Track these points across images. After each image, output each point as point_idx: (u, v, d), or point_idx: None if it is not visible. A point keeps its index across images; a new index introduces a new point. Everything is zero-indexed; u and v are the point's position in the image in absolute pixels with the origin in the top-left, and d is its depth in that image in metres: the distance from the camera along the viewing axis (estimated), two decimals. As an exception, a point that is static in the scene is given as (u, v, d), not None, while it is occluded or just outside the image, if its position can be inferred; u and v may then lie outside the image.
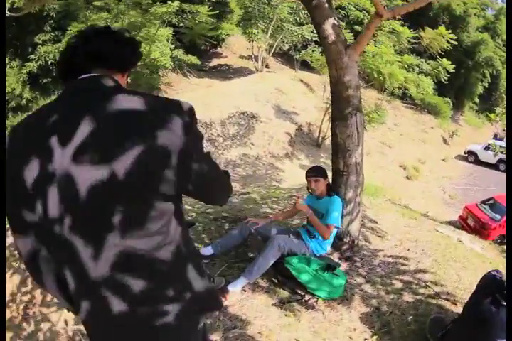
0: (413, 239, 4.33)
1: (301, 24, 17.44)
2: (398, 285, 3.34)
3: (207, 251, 3.44)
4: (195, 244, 3.87)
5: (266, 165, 11.10)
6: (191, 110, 1.09)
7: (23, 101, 12.25)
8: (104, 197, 0.96)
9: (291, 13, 16.77)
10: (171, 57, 12.59)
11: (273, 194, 5.96)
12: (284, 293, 3.12)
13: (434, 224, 5.54)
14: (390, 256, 3.84)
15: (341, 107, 3.40)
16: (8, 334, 2.74)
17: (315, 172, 3.40)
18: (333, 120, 3.54)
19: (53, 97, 10.69)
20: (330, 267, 3.08)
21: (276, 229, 3.50)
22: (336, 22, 3.24)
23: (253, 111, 13.31)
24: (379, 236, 4.27)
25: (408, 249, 4.04)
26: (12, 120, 11.42)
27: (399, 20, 18.10)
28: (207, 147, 10.81)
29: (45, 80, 12.21)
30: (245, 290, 3.12)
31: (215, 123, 12.03)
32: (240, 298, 3.04)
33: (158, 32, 10.23)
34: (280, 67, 20.76)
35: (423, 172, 17.12)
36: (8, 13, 4.48)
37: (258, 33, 16.23)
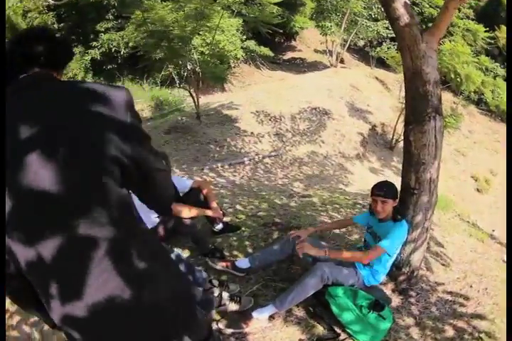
0: (478, 273, 3.60)
1: (375, 19, 16.30)
2: (450, 332, 2.70)
3: (243, 263, 2.99)
4: (235, 252, 3.41)
5: (335, 165, 10.14)
6: (128, 93, 1.10)
7: None
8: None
9: (364, 8, 15.63)
10: (242, 48, 12.21)
11: (336, 199, 5.26)
12: (318, 328, 2.55)
13: (501, 249, 4.71)
14: (450, 292, 3.15)
15: (417, 107, 2.67)
16: (16, 318, 2.57)
17: (384, 192, 2.66)
18: (406, 123, 2.80)
19: (118, 83, 10.69)
20: (378, 305, 2.46)
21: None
22: (407, 1, 2.53)
23: (326, 107, 12.35)
24: (443, 265, 3.55)
25: (471, 286, 3.33)
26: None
27: (473, 19, 16.62)
28: (274, 142, 10.19)
29: (109, 66, 12.39)
30: (273, 318, 2.60)
31: (284, 118, 11.25)
32: (265, 325, 2.56)
33: (227, 22, 9.86)
34: (355, 63, 19.70)
35: (493, 185, 15.53)
36: (51, 1, 4.37)
37: (331, 26, 15.29)
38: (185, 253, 3.44)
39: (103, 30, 12.40)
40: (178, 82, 10.94)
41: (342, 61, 18.08)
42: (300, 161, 9.36)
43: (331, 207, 4.79)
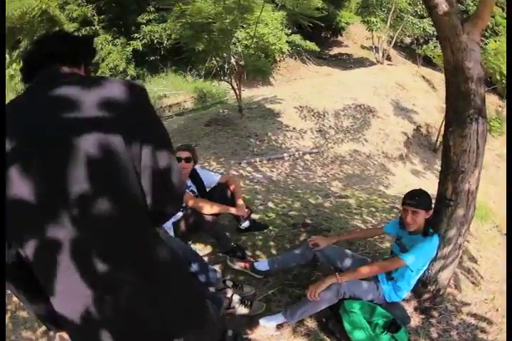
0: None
1: (421, 16, 15.33)
2: (464, 361, 2.38)
3: (262, 265, 2.80)
4: (258, 252, 3.24)
5: (376, 165, 9.42)
6: (142, 88, 1.12)
7: (128, 78, 12.40)
8: None
9: (409, 4, 14.80)
10: (287, 42, 11.87)
11: (373, 202, 4.88)
12: (326, 343, 2.34)
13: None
14: (475, 315, 2.79)
15: (458, 107, 2.32)
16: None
17: (416, 202, 2.34)
18: (446, 125, 2.46)
19: (161, 74, 10.45)
20: (393, 326, 2.20)
21: (350, 260, 2.61)
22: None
23: (370, 104, 11.59)
24: (472, 283, 3.18)
25: (497, 309, 2.94)
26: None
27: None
28: (316, 138, 9.57)
29: (152, 58, 12.29)
30: (282, 326, 2.41)
31: (328, 114, 10.59)
32: (272, 333, 2.38)
33: (271, 15, 9.55)
34: (402, 61, 18.75)
35: (538, 193, 14.38)
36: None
37: (377, 22, 14.59)
38: (206, 250, 3.32)
39: (144, 22, 12.25)
40: (222, 74, 10.71)
41: (388, 58, 17.29)
42: (341, 159, 8.81)
43: (367, 210, 4.44)
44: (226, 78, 9.65)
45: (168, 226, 3.14)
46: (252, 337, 2.35)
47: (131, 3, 12.12)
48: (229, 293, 2.61)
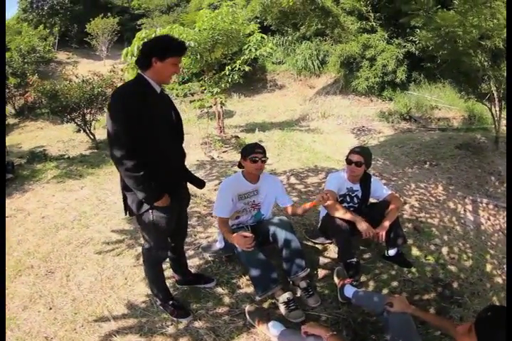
0: None
1: None
2: None
3: (348, 292, 2.46)
4: (371, 282, 2.87)
5: None
6: (113, 97, 1.97)
7: (397, 80, 11.55)
8: None
9: None
10: None
11: None
12: None
13: None
14: None
15: None
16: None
17: None
18: None
19: (438, 84, 9.08)
20: None
21: None
22: None
23: None
24: None
25: None
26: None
27: None
28: None
29: (428, 65, 10.64)
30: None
31: None
32: (271, 339, 2.17)
33: None
34: None
35: None
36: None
37: None
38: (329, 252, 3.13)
39: (420, 25, 9.62)
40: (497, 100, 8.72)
41: None
42: None
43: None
44: (486, 102, 7.75)
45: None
46: (256, 327, 2.26)
47: (404, 4, 10.30)
48: (285, 292, 2.40)
